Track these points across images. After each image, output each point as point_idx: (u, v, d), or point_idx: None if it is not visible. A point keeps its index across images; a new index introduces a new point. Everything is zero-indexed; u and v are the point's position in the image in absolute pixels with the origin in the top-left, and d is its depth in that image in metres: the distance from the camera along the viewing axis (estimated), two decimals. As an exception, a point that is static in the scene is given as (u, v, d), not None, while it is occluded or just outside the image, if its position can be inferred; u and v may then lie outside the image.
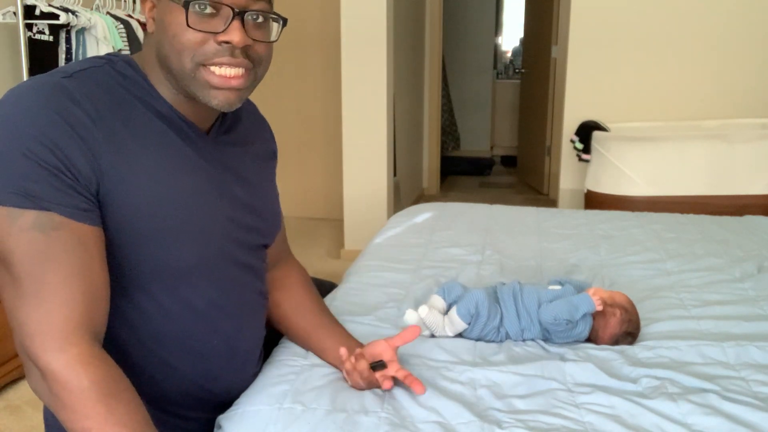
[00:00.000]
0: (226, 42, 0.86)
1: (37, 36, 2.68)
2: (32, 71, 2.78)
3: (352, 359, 1.04)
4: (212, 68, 0.87)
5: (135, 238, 0.87)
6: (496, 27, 6.79)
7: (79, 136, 0.81)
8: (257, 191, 1.06)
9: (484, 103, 6.83)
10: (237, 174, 1.02)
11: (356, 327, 1.27)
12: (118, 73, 0.90)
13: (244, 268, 1.03)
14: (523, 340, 1.24)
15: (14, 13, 2.53)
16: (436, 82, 5.09)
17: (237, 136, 1.04)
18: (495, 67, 6.85)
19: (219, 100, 0.89)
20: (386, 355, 1.04)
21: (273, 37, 0.94)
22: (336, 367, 1.11)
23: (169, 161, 0.91)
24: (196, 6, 0.84)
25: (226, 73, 0.87)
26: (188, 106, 0.94)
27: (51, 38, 2.70)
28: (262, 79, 0.94)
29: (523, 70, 5.60)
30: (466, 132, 6.86)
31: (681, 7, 3.34)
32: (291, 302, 1.18)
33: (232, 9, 0.85)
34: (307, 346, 1.17)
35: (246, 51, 0.88)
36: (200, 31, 0.85)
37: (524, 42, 5.61)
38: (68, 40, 2.74)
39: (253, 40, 0.88)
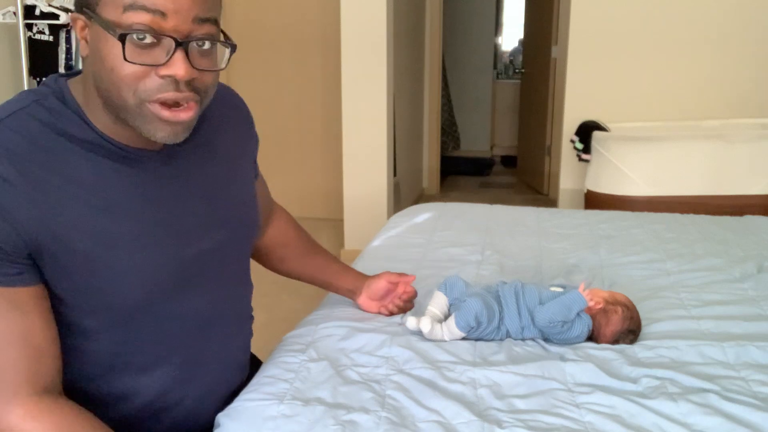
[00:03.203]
0: (169, 75, 0.77)
1: (37, 36, 2.68)
2: (32, 71, 2.79)
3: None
4: (159, 105, 0.79)
5: (92, 281, 0.85)
6: (496, 27, 6.79)
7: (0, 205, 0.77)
8: (230, 186, 1.01)
9: (484, 103, 6.83)
10: (199, 182, 0.96)
11: (357, 327, 1.27)
12: (46, 109, 0.83)
13: (226, 279, 1.02)
14: (523, 339, 1.24)
15: (14, 13, 2.53)
16: (436, 82, 5.09)
17: (202, 134, 0.96)
18: (495, 67, 6.85)
19: (165, 134, 0.81)
20: (391, 288, 1.32)
21: (221, 64, 0.84)
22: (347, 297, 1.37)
23: (113, 198, 0.85)
24: (134, 36, 0.75)
25: (175, 110, 0.80)
26: (130, 133, 0.86)
27: (51, 38, 2.71)
28: (207, 105, 0.87)
29: (523, 70, 5.60)
30: (466, 132, 6.86)
31: (681, 7, 3.34)
32: (295, 254, 1.32)
33: (174, 39, 0.76)
34: (320, 285, 1.36)
35: (191, 83, 0.80)
36: (140, 64, 0.77)
37: (524, 42, 5.61)
38: (68, 40, 2.74)
39: (199, 70, 0.79)
